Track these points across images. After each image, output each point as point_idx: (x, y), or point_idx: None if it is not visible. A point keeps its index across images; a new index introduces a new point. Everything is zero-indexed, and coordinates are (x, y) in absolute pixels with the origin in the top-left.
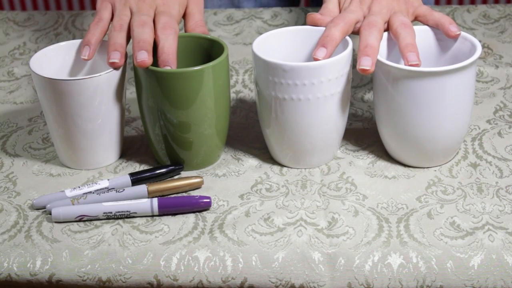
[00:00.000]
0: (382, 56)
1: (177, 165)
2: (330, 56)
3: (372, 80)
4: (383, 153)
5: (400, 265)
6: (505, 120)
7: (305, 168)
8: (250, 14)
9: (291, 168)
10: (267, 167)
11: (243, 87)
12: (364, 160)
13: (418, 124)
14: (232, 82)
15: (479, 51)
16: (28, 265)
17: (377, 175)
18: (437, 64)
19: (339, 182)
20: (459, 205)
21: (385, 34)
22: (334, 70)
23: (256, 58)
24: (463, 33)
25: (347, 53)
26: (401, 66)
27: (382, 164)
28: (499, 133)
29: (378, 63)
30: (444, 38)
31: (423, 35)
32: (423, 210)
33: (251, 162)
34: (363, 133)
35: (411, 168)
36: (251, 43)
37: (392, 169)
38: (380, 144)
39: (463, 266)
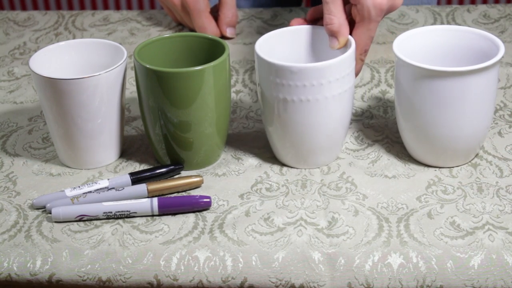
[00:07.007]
0: (405, 54)
1: (177, 164)
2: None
3: (394, 78)
4: (383, 153)
5: (400, 265)
6: (505, 120)
7: (306, 168)
8: (250, 14)
9: (292, 167)
10: (267, 166)
11: (243, 86)
12: (364, 160)
13: (439, 124)
14: (232, 81)
15: (502, 50)
16: (28, 265)
17: (377, 174)
18: (458, 63)
19: (339, 182)
20: (459, 204)
21: (414, 31)
22: (341, 69)
23: (260, 60)
24: (485, 32)
25: (352, 51)
26: (424, 65)
27: (382, 163)
28: (499, 133)
29: (401, 61)
30: (465, 37)
31: (444, 33)
32: (423, 210)
33: (251, 161)
34: (363, 133)
35: (411, 168)
36: (251, 43)
37: (392, 169)
38: (380, 144)
39: (463, 266)
